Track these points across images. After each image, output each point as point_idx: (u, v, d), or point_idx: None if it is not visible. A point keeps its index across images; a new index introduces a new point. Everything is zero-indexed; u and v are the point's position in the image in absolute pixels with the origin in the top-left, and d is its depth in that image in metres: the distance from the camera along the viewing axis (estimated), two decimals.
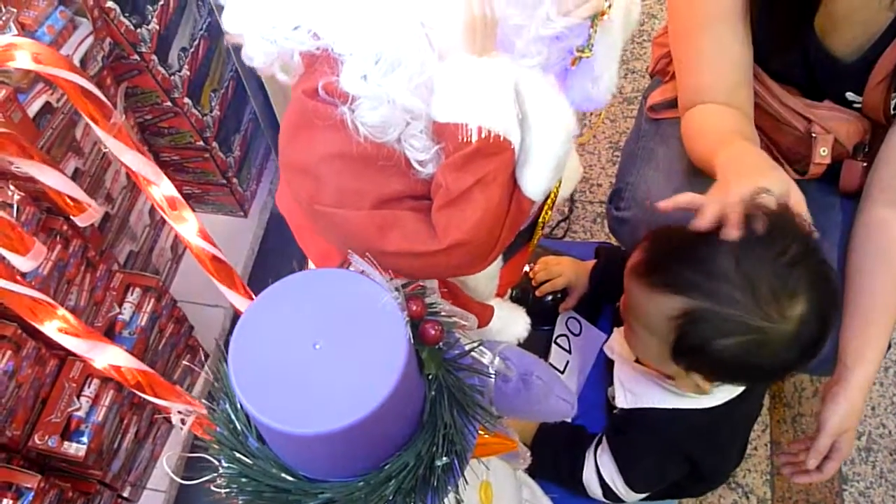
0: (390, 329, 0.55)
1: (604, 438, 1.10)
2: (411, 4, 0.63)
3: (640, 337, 0.98)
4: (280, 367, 0.54)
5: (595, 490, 1.09)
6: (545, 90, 0.67)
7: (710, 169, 0.97)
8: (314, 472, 0.59)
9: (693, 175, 1.16)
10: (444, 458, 0.59)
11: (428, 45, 0.63)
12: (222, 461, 0.60)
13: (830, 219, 1.17)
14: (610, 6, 0.68)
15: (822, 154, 1.12)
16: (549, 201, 0.88)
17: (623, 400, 1.08)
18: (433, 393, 0.60)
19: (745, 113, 1.07)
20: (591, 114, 1.90)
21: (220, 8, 0.70)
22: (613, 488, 1.07)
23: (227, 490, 0.60)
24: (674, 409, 1.03)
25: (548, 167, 0.67)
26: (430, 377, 0.60)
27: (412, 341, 0.56)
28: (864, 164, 1.13)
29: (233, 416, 0.60)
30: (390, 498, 0.57)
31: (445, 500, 0.61)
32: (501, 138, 0.64)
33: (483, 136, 0.63)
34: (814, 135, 1.11)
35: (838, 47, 1.05)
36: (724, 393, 1.02)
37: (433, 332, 0.59)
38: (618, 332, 1.12)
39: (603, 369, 1.20)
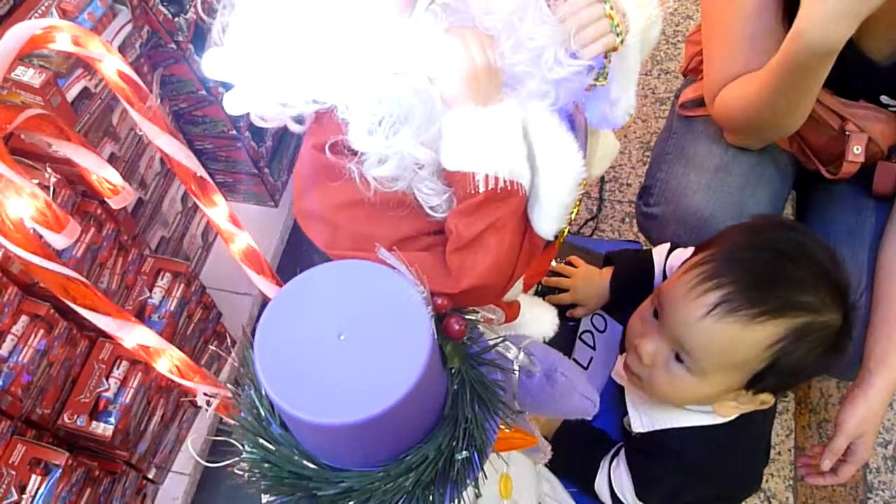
0: (415, 323, 0.56)
1: (621, 453, 1.09)
2: (413, 60, 0.62)
3: (692, 380, 0.93)
4: (305, 356, 0.55)
5: (605, 497, 1.08)
6: (554, 135, 0.66)
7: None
8: (335, 460, 0.59)
9: (723, 172, 1.16)
10: (465, 452, 0.59)
11: (433, 98, 0.63)
12: (245, 446, 0.61)
13: (863, 221, 1.16)
14: (622, 40, 0.67)
15: (856, 152, 1.11)
16: (574, 209, 0.88)
17: (640, 424, 1.06)
18: (455, 387, 0.61)
19: None
20: None
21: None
22: (623, 500, 1.07)
23: (249, 474, 0.61)
24: (694, 428, 1.01)
25: (557, 210, 0.67)
26: (452, 371, 0.61)
27: (436, 335, 0.56)
28: None
29: (257, 403, 0.61)
30: (409, 489, 0.57)
31: (464, 493, 0.61)
32: (510, 184, 0.64)
33: (491, 184, 0.63)
34: (847, 133, 1.10)
35: (873, 49, 1.03)
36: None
37: (457, 326, 0.59)
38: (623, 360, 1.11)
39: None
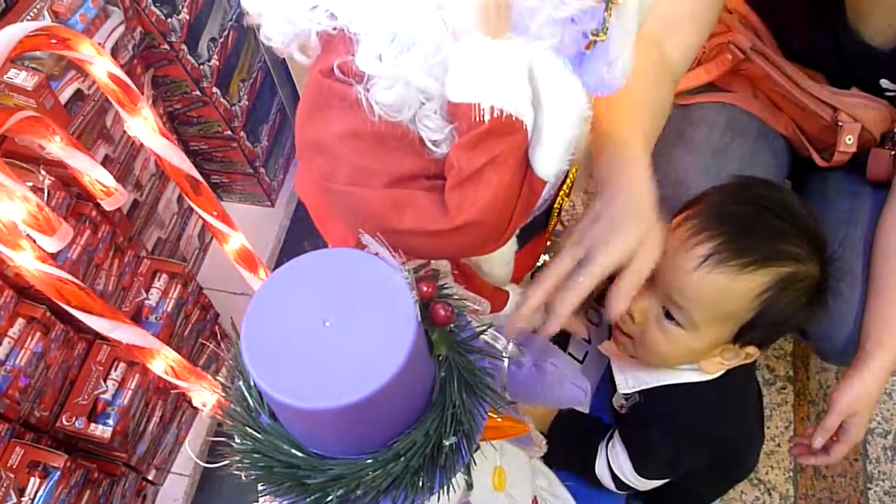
0: (399, 308, 0.56)
1: (616, 432, 1.10)
2: None
3: (684, 334, 0.94)
4: (291, 343, 0.55)
5: (608, 482, 1.09)
6: (558, 72, 0.67)
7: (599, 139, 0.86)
8: (324, 448, 0.59)
9: (721, 155, 1.17)
10: (453, 438, 0.59)
11: (443, 26, 0.64)
12: (235, 437, 0.62)
13: (860, 206, 1.16)
14: None
15: (848, 142, 1.11)
16: (564, 187, 0.88)
17: (625, 385, 1.07)
18: (443, 374, 0.61)
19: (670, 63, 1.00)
20: None
21: None
22: (623, 479, 1.07)
23: (240, 464, 0.61)
24: (681, 385, 1.03)
25: (559, 148, 0.68)
26: (440, 358, 0.61)
27: (421, 321, 0.56)
28: (893, 153, 1.12)
29: (246, 393, 0.62)
30: (398, 475, 0.57)
31: (454, 480, 0.61)
32: (514, 118, 0.65)
33: (495, 115, 0.64)
34: (840, 123, 1.11)
35: (873, 35, 1.03)
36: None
37: (443, 312, 0.59)
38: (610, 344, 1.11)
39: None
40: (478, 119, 0.64)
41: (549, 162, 0.68)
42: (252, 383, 0.61)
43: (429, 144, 0.67)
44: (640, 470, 1.06)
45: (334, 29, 0.66)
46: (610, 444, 1.10)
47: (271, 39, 0.68)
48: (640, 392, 1.07)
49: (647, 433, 1.05)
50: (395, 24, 0.63)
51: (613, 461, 1.08)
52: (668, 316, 0.94)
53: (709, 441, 1.05)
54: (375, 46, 0.63)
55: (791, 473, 1.41)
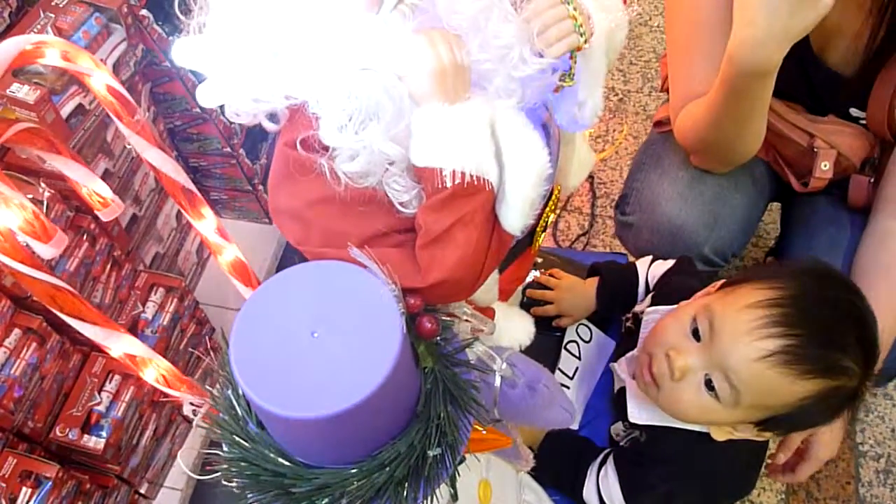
0: (386, 320, 0.57)
1: (609, 459, 1.09)
2: (382, 57, 0.64)
3: (718, 407, 0.93)
4: (279, 353, 0.56)
5: None
6: (519, 131, 0.67)
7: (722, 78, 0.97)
8: (310, 458, 0.60)
9: (696, 181, 1.18)
10: (437, 449, 0.60)
11: (403, 95, 0.64)
12: (224, 445, 0.62)
13: (841, 232, 1.17)
14: (586, 41, 0.69)
15: (824, 168, 1.12)
16: (549, 205, 0.89)
17: (637, 415, 1.05)
18: (429, 386, 0.62)
19: None
20: (614, 130, 1.91)
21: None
22: None
23: (228, 473, 0.62)
24: (692, 432, 1.02)
25: (522, 206, 0.68)
26: (426, 370, 0.62)
27: (407, 333, 0.57)
28: (871, 179, 1.13)
29: (234, 403, 0.63)
30: (382, 485, 0.58)
31: (438, 491, 0.62)
32: (477, 179, 0.65)
33: (458, 179, 0.64)
34: (816, 149, 1.12)
35: (836, 62, 1.05)
36: None
37: (429, 325, 0.60)
38: (626, 361, 1.11)
39: (609, 380, 1.19)
40: (440, 185, 0.64)
41: (513, 217, 0.69)
42: (240, 392, 0.62)
43: (397, 205, 0.68)
44: (631, 501, 1.06)
45: (296, 103, 0.67)
46: (602, 472, 1.09)
47: (239, 116, 0.69)
48: (643, 428, 1.06)
49: (646, 473, 1.04)
50: (354, 99, 0.63)
51: (604, 489, 1.08)
52: (708, 386, 0.92)
53: (708, 485, 1.04)
54: (336, 120, 0.64)
55: (783, 496, 1.41)
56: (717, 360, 0.90)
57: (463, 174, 0.64)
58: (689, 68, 1.11)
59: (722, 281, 1.00)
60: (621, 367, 1.10)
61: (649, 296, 1.16)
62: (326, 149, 0.65)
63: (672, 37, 1.15)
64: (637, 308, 1.17)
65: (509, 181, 0.67)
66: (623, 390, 1.08)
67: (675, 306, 1.02)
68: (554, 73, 0.68)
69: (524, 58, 0.66)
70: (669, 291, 1.11)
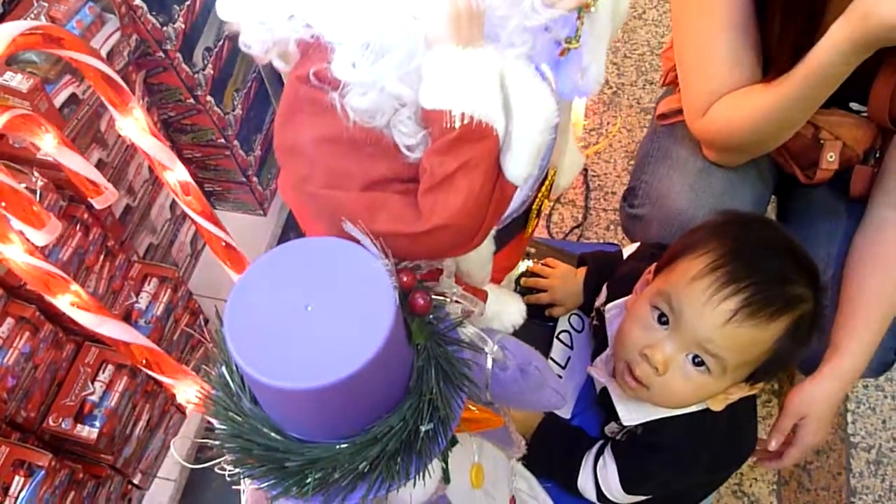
0: (378, 294, 0.57)
1: (606, 449, 1.09)
2: None
3: (710, 380, 0.94)
4: (272, 326, 0.57)
5: (590, 495, 1.09)
6: (528, 79, 0.68)
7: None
8: (303, 432, 0.61)
9: (706, 174, 1.18)
10: (429, 424, 0.60)
11: (416, 34, 0.65)
12: (216, 422, 0.63)
13: (839, 224, 1.18)
14: None
15: (830, 159, 1.13)
16: (543, 189, 0.90)
17: (628, 418, 1.06)
18: (421, 363, 0.62)
19: None
20: (608, 123, 1.92)
21: None
22: (609, 495, 1.07)
23: (221, 448, 0.62)
24: (683, 415, 1.02)
25: (528, 153, 0.69)
26: (418, 347, 0.62)
27: (399, 307, 0.58)
28: (875, 170, 1.14)
29: (228, 378, 0.63)
30: (374, 459, 0.58)
31: (430, 467, 0.63)
32: (484, 125, 0.66)
33: (466, 122, 0.65)
34: (822, 140, 1.13)
35: None
36: None
37: (422, 301, 0.61)
38: (602, 362, 1.11)
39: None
40: (449, 125, 0.65)
41: (518, 166, 0.69)
42: (234, 367, 0.63)
43: (403, 149, 0.68)
44: (629, 490, 1.06)
45: (312, 37, 0.67)
46: (600, 462, 1.09)
47: (250, 47, 0.70)
48: (638, 425, 1.07)
49: (646, 462, 1.05)
50: (369, 33, 0.64)
51: (603, 480, 1.08)
52: (695, 362, 0.93)
53: (706, 466, 1.05)
54: (350, 54, 0.65)
55: (775, 486, 1.42)
56: (690, 337, 0.92)
57: (472, 117, 0.65)
58: (709, 66, 1.10)
59: (653, 266, 1.03)
60: (598, 371, 1.11)
61: (604, 288, 1.17)
62: (336, 87, 0.66)
63: (683, 34, 1.15)
64: (597, 303, 1.18)
65: (517, 127, 0.68)
66: (605, 390, 1.09)
67: (632, 296, 1.05)
68: (563, 28, 0.69)
69: (536, 7, 0.66)
70: (620, 280, 1.13)
